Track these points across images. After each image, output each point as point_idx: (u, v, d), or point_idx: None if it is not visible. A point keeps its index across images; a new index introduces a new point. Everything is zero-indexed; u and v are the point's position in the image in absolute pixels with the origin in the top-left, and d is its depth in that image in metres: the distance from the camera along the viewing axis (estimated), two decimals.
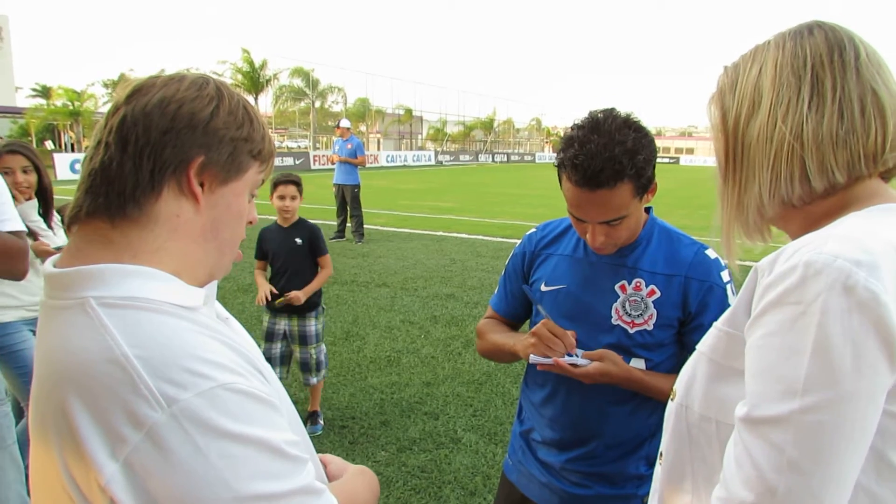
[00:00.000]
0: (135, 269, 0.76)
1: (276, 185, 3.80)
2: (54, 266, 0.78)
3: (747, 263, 0.88)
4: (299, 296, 3.70)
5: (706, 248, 1.49)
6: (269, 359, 3.77)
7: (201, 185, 0.81)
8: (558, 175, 1.43)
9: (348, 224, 10.46)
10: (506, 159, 57.78)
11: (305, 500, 0.74)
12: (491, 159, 55.40)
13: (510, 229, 11.95)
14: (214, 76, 0.87)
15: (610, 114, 1.39)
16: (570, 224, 1.58)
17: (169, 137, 0.78)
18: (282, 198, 3.77)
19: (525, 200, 18.23)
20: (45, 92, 36.61)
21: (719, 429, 0.85)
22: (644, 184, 1.38)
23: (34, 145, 13.92)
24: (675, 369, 1.51)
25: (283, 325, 3.86)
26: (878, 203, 0.82)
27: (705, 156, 77.36)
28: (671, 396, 0.98)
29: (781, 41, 0.86)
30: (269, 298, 3.72)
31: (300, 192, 3.84)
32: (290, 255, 3.82)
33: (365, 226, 10.64)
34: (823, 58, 0.82)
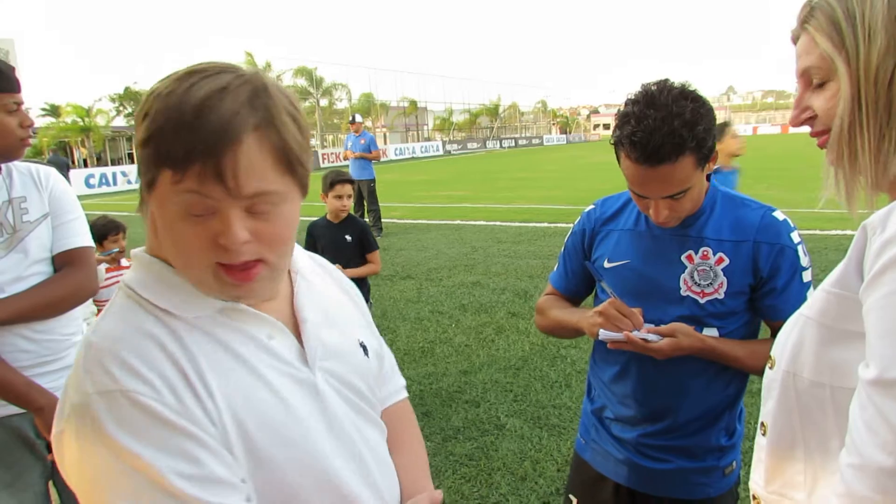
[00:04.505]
0: (149, 260, 0.84)
1: (333, 184, 3.87)
2: None
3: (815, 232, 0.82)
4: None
5: (773, 210, 1.45)
6: None
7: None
8: (616, 153, 1.40)
9: (366, 219, 10.46)
10: (514, 144, 57.49)
11: None
12: (499, 145, 55.17)
13: (527, 213, 11.90)
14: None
15: (664, 85, 1.35)
16: (629, 198, 1.54)
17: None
18: (339, 197, 3.86)
19: (539, 184, 18.13)
20: (54, 110, 36.95)
21: (833, 394, 0.82)
22: (706, 154, 1.35)
23: (46, 163, 14.09)
24: (747, 336, 1.48)
25: None
26: None
27: None
28: (769, 364, 0.94)
29: None
30: None
31: (353, 190, 3.97)
32: (339, 250, 3.91)
33: (382, 219, 10.63)
34: None
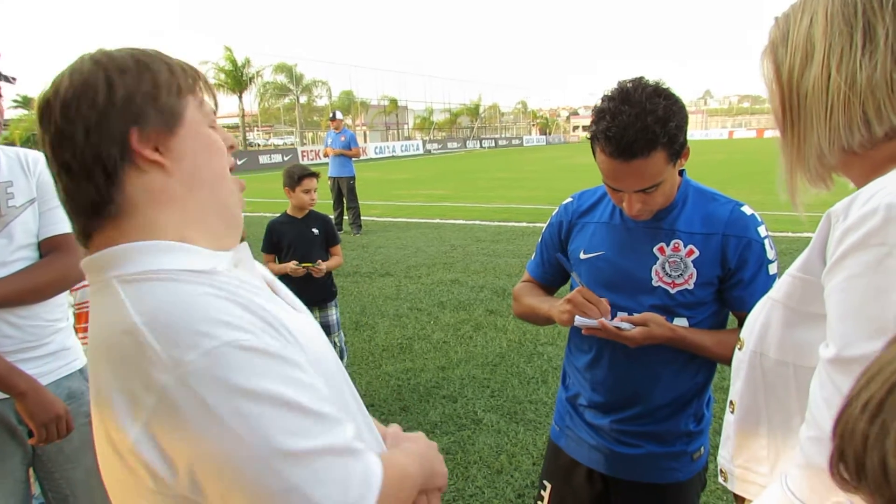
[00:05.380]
0: (146, 244, 0.79)
1: (301, 178, 3.82)
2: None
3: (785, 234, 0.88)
4: (322, 267, 3.79)
5: (742, 205, 1.51)
6: None
7: (156, 149, 0.81)
8: (591, 147, 1.45)
9: (345, 216, 10.44)
10: (493, 144, 57.70)
11: (336, 460, 0.72)
12: (479, 145, 55.34)
13: (507, 213, 11.96)
14: (88, 54, 0.82)
15: (639, 83, 1.40)
16: (605, 192, 1.59)
17: (95, 137, 0.78)
18: (308, 191, 3.84)
19: (518, 184, 18.22)
20: (26, 102, 36.26)
21: (797, 372, 0.88)
22: (677, 150, 1.40)
23: None
24: (715, 326, 1.53)
25: None
26: None
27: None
28: (739, 346, 0.99)
29: None
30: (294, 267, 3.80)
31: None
32: (307, 245, 3.88)
33: (362, 217, 10.63)
34: (874, 3, 0.81)
